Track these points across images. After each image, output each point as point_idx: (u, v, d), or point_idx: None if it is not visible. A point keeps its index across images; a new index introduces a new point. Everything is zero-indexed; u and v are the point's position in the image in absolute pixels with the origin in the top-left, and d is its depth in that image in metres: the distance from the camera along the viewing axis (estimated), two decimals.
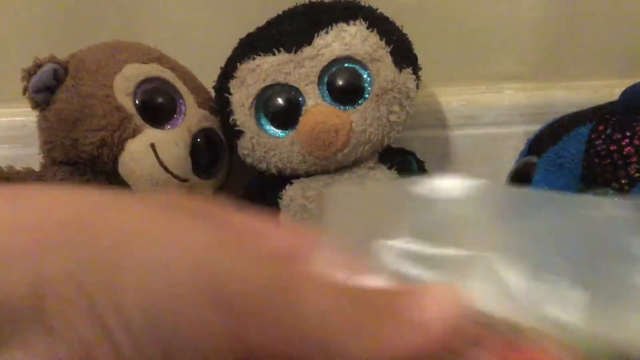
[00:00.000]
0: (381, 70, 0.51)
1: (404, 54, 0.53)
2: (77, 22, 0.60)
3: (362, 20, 0.51)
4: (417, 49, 0.55)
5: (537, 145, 0.54)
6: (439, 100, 0.62)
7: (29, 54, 0.50)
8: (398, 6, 0.60)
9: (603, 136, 0.50)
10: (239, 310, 0.16)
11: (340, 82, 0.51)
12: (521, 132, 0.61)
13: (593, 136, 0.50)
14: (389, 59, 0.51)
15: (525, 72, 0.64)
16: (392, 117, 0.52)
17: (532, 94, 0.62)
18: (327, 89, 0.52)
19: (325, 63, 0.51)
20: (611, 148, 0.49)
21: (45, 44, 0.54)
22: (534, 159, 0.53)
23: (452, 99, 0.62)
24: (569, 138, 0.51)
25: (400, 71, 0.52)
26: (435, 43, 0.62)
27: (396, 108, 0.52)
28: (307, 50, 0.51)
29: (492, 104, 0.62)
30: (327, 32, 0.50)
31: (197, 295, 0.16)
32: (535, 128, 0.58)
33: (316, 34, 0.50)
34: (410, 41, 0.55)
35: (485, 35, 0.62)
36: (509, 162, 0.60)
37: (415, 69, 0.54)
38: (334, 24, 0.51)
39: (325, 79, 0.51)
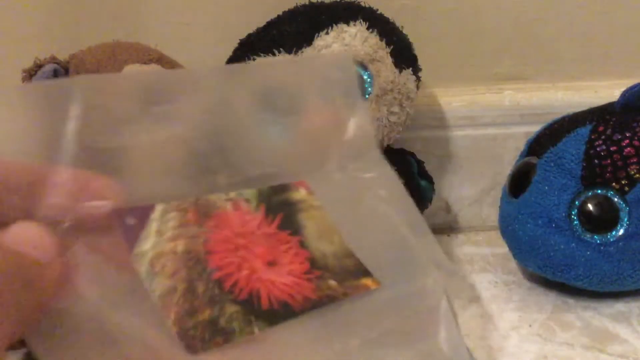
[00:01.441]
0: (381, 71, 0.51)
1: (404, 55, 0.53)
2: (78, 23, 0.60)
3: (362, 21, 0.51)
4: (417, 50, 0.55)
5: (537, 145, 0.54)
6: (439, 101, 0.62)
7: (29, 55, 0.50)
8: (398, 7, 0.60)
9: (603, 137, 0.50)
10: None
11: None
12: (521, 133, 0.61)
13: (593, 137, 0.50)
14: (389, 60, 0.51)
15: (526, 72, 0.64)
16: (392, 118, 0.52)
17: (532, 95, 0.62)
18: None
19: None
20: (611, 149, 0.49)
21: (46, 44, 0.54)
22: (533, 159, 0.53)
23: (452, 99, 0.62)
24: (569, 139, 0.51)
25: (400, 72, 0.52)
26: (435, 44, 0.62)
27: (396, 109, 0.52)
28: (307, 51, 0.50)
29: (492, 105, 0.62)
30: (327, 33, 0.50)
31: None
32: (535, 129, 0.58)
33: (316, 35, 0.50)
34: (410, 42, 0.55)
35: (485, 35, 0.62)
36: (509, 162, 0.60)
37: (416, 70, 0.54)
38: (334, 25, 0.50)
39: None
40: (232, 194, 0.25)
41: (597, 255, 0.49)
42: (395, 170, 0.54)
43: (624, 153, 0.49)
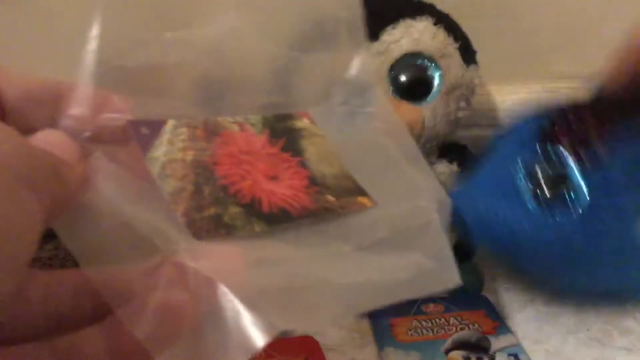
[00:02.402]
0: (451, 66, 0.50)
1: (469, 50, 0.53)
2: None
3: (428, 16, 0.50)
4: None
5: None
6: (493, 99, 0.61)
7: None
8: (454, 3, 0.59)
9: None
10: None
11: (410, 78, 0.51)
12: None
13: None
14: (457, 55, 0.51)
15: (583, 71, 0.62)
16: (460, 114, 0.51)
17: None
18: (396, 85, 0.51)
19: (395, 59, 0.50)
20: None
21: None
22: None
23: (507, 98, 0.61)
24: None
25: (467, 67, 0.51)
26: (491, 41, 0.61)
27: (464, 104, 0.52)
28: (373, 46, 0.50)
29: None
30: (393, 28, 0.50)
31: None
32: None
33: (381, 30, 0.50)
34: (468, 37, 0.54)
35: (542, 33, 0.61)
36: None
37: (477, 65, 0.53)
38: (400, 20, 0.50)
39: (394, 74, 0.51)
40: (239, 118, 0.27)
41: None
42: (457, 164, 0.54)
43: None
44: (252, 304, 0.19)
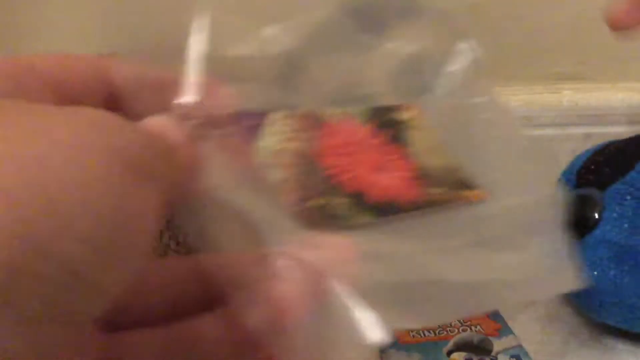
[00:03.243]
0: None
1: None
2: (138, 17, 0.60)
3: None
4: None
5: (592, 175, 0.48)
6: None
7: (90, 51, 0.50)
8: (455, 4, 0.59)
9: None
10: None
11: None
12: (579, 134, 0.60)
13: None
14: None
15: (585, 72, 0.62)
16: None
17: (591, 95, 0.61)
18: None
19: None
20: None
21: (105, 39, 0.54)
22: (593, 192, 0.47)
23: (509, 98, 0.61)
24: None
25: None
26: (492, 42, 0.60)
27: None
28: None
29: (549, 105, 0.61)
30: None
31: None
32: (593, 130, 0.56)
33: None
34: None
35: (544, 34, 0.61)
36: (565, 164, 0.58)
37: None
38: None
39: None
40: (342, 109, 0.27)
41: None
42: None
43: None
44: (364, 299, 0.19)
